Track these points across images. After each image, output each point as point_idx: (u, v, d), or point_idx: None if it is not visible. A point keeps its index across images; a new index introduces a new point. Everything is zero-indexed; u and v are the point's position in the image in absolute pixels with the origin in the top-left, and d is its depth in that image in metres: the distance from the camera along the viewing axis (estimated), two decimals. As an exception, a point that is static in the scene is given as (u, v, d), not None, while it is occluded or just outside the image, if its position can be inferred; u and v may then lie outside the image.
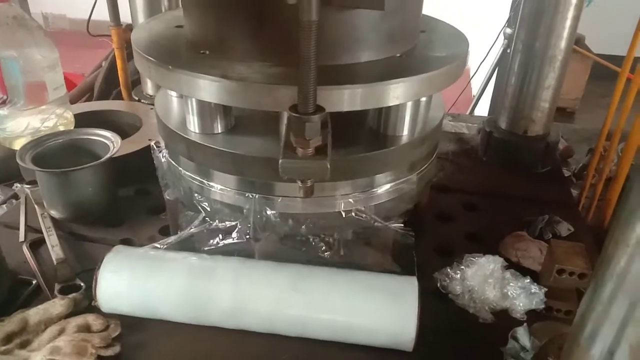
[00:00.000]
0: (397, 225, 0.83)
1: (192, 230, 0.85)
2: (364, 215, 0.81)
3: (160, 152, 0.91)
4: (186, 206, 0.89)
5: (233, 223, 0.83)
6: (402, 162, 0.84)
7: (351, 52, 0.75)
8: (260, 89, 0.69)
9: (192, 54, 0.78)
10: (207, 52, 0.77)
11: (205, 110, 0.79)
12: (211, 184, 0.84)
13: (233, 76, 0.70)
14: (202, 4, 0.77)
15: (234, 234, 0.83)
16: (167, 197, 0.92)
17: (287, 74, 0.68)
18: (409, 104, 0.79)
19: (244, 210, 0.81)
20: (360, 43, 0.75)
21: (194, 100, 0.78)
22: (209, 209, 0.84)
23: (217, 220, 0.84)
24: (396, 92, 0.72)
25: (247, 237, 0.82)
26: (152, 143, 0.92)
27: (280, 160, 0.63)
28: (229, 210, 0.84)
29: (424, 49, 0.83)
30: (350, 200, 0.82)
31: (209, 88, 0.71)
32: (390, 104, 0.74)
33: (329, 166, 0.63)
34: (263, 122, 0.82)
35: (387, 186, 0.85)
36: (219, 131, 0.82)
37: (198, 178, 0.85)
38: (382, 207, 0.85)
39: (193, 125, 0.81)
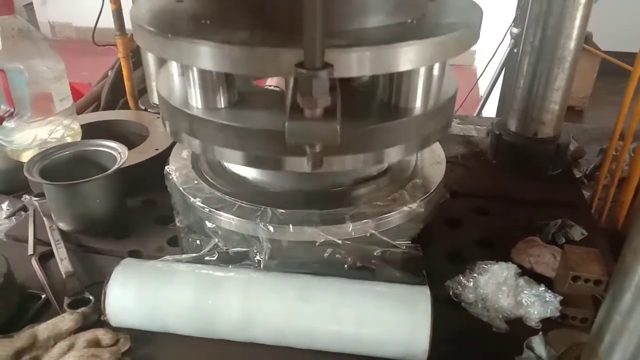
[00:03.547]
0: (405, 242, 0.83)
1: (203, 252, 0.85)
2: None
3: (171, 178, 0.91)
4: (197, 233, 0.88)
5: (244, 250, 0.83)
6: (414, 136, 0.80)
7: (359, 17, 0.71)
8: (264, 53, 0.65)
9: (193, 25, 0.75)
10: (208, 22, 0.74)
11: (208, 83, 0.77)
12: (220, 212, 0.83)
13: (235, 41, 0.66)
14: None
15: (246, 261, 0.83)
16: (179, 225, 0.92)
17: (292, 39, 0.63)
18: (422, 73, 0.76)
19: (254, 239, 0.81)
20: (369, 7, 0.71)
21: (195, 72, 0.75)
22: (220, 236, 0.84)
23: (228, 247, 0.84)
24: (408, 56, 0.67)
25: (258, 264, 0.82)
26: (166, 168, 0.92)
27: (286, 123, 0.59)
28: (240, 238, 0.83)
29: (435, 17, 0.79)
30: (359, 226, 0.81)
31: (210, 55, 0.67)
32: (402, 69, 0.70)
33: (338, 128, 0.59)
34: (267, 98, 0.80)
35: (395, 212, 0.84)
36: (222, 106, 0.78)
37: (207, 207, 0.85)
38: (390, 232, 0.84)
39: (195, 100, 0.78)
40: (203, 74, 0.75)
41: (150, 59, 1.35)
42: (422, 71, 0.76)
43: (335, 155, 0.72)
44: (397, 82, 0.78)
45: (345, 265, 0.81)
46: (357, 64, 0.65)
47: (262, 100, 0.82)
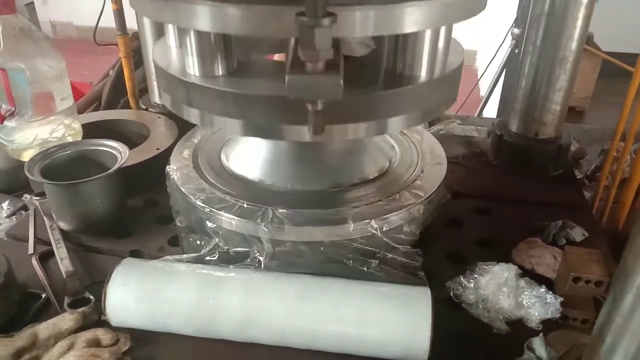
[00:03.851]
0: (405, 247, 0.83)
1: (203, 252, 0.85)
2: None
3: (172, 177, 0.91)
4: (198, 232, 0.88)
5: (245, 249, 0.83)
6: (418, 105, 0.78)
7: None
8: (263, 11, 0.63)
9: None
10: None
11: (205, 49, 0.75)
12: (221, 212, 0.83)
13: (234, 0, 0.64)
14: None
15: (246, 261, 0.83)
16: (179, 224, 0.92)
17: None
18: (427, 39, 0.74)
19: (255, 239, 0.81)
20: None
21: (193, 37, 0.74)
22: (221, 236, 0.84)
23: (229, 246, 0.83)
24: (413, 16, 0.65)
25: (258, 264, 0.82)
26: (167, 168, 0.91)
27: (287, 77, 0.56)
28: (241, 238, 0.83)
29: None
30: (360, 226, 0.80)
31: (208, 15, 0.65)
32: (407, 31, 0.67)
33: (341, 82, 0.56)
34: (267, 67, 0.78)
35: (397, 212, 0.84)
36: (220, 74, 0.77)
37: (208, 207, 0.85)
38: (391, 233, 0.84)
39: (193, 68, 0.76)
40: (201, 39, 0.74)
41: (151, 58, 1.35)
42: (428, 36, 0.74)
43: (336, 123, 0.71)
44: (402, 48, 0.76)
45: (347, 263, 0.81)
46: (360, 23, 0.63)
47: (261, 68, 0.81)
